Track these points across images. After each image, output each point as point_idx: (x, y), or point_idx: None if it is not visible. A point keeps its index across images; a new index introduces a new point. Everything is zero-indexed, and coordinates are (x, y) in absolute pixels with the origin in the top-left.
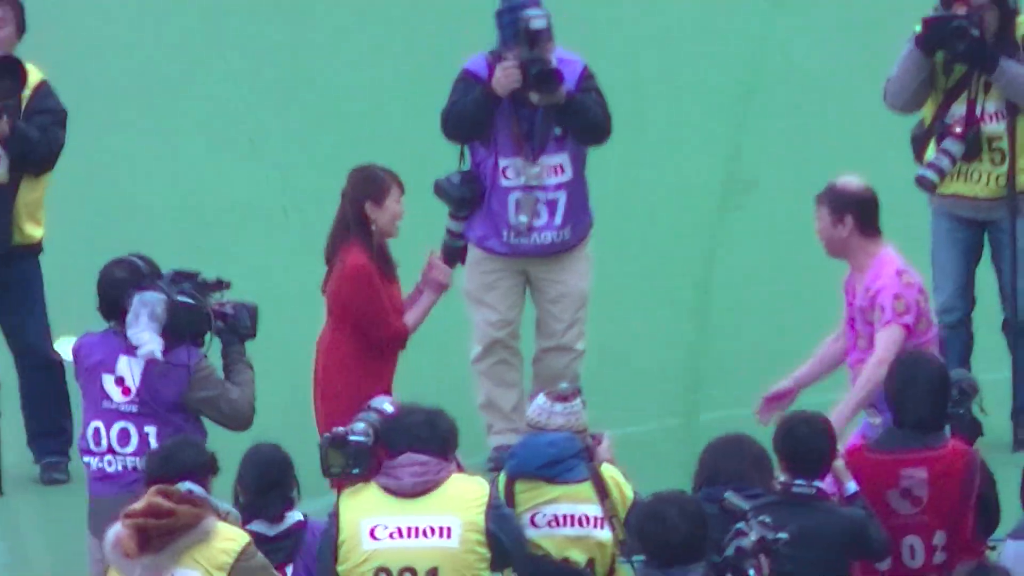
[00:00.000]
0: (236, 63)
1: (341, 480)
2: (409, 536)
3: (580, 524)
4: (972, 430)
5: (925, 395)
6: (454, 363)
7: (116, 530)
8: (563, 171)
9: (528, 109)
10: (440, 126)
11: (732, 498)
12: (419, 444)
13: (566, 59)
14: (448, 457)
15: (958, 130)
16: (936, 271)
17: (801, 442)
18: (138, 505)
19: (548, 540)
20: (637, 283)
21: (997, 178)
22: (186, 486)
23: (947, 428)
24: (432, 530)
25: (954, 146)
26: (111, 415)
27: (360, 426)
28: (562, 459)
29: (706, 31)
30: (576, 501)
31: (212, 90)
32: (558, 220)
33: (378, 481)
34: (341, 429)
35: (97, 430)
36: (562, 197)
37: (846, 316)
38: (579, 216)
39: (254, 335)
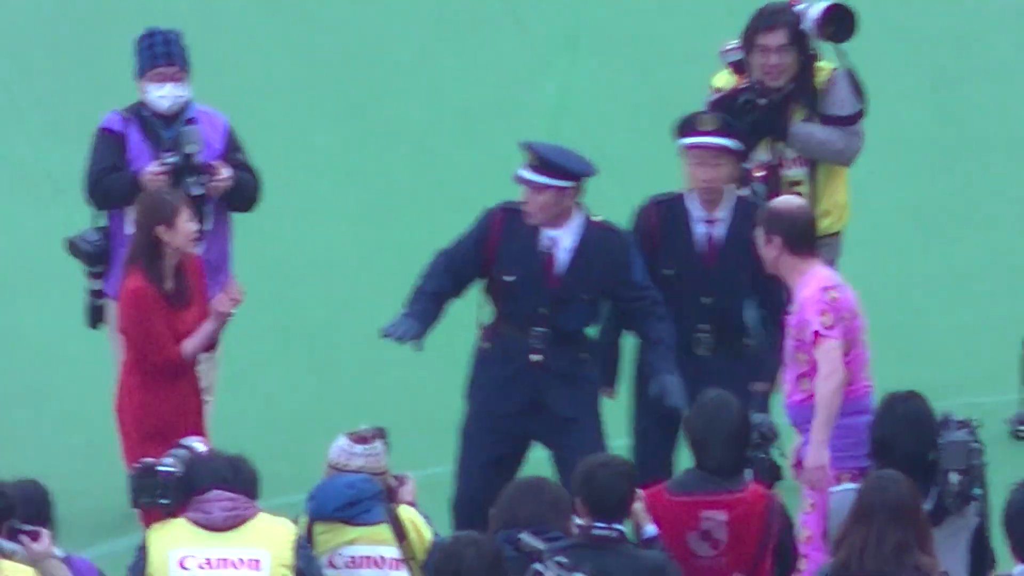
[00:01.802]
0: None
1: (149, 512)
2: (219, 566)
3: (377, 565)
4: (772, 474)
5: (726, 438)
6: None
7: None
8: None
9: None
10: (86, 192)
11: (528, 539)
12: (225, 485)
13: (211, 115)
14: (253, 499)
15: (760, 175)
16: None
17: (601, 485)
18: None
19: None
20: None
21: None
22: None
23: (747, 472)
24: (242, 561)
25: (755, 191)
26: None
27: (169, 460)
28: (360, 500)
29: None
30: (374, 542)
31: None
32: None
33: (187, 516)
34: (151, 460)
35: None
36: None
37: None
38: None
39: None
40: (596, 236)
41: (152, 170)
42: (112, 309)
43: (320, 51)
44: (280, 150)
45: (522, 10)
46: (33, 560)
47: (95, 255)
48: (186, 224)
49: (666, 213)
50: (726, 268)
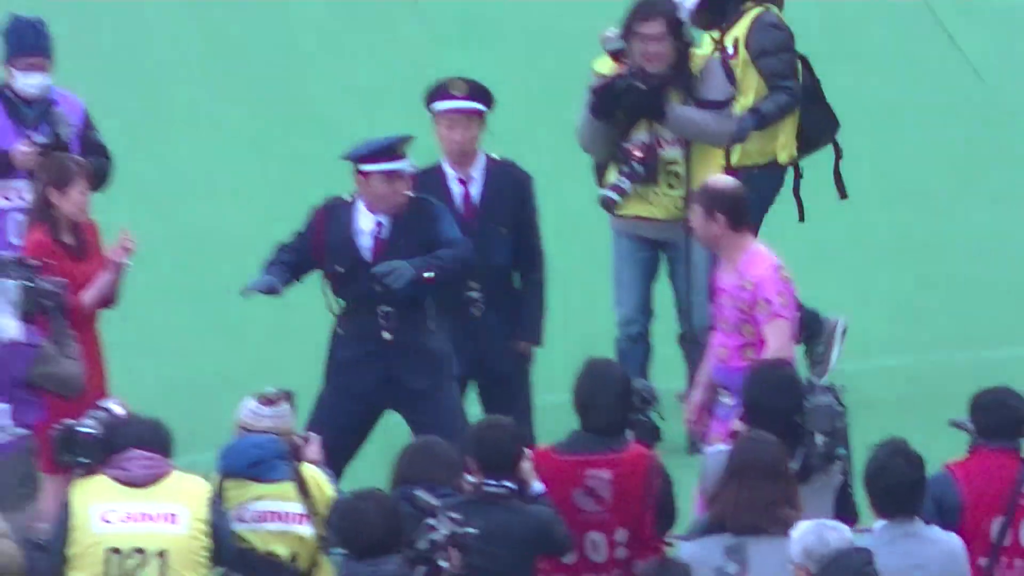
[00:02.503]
0: None
1: (69, 470)
2: (139, 520)
3: (282, 520)
4: (652, 435)
5: (609, 401)
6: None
7: None
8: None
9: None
10: None
11: (422, 495)
12: (143, 445)
13: (68, 99)
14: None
15: (638, 154)
16: (617, 287)
17: (491, 444)
18: None
19: (253, 535)
20: None
21: (674, 201)
22: None
23: (629, 433)
24: (161, 515)
25: (635, 169)
26: None
27: (89, 421)
28: (266, 459)
29: None
30: (279, 499)
31: None
32: None
33: (107, 472)
34: (71, 421)
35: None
36: None
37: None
38: None
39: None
40: (408, 210)
41: (23, 149)
42: None
43: (231, 34)
44: (193, 129)
45: None
46: None
47: None
48: (78, 194)
49: (423, 180)
50: (485, 225)
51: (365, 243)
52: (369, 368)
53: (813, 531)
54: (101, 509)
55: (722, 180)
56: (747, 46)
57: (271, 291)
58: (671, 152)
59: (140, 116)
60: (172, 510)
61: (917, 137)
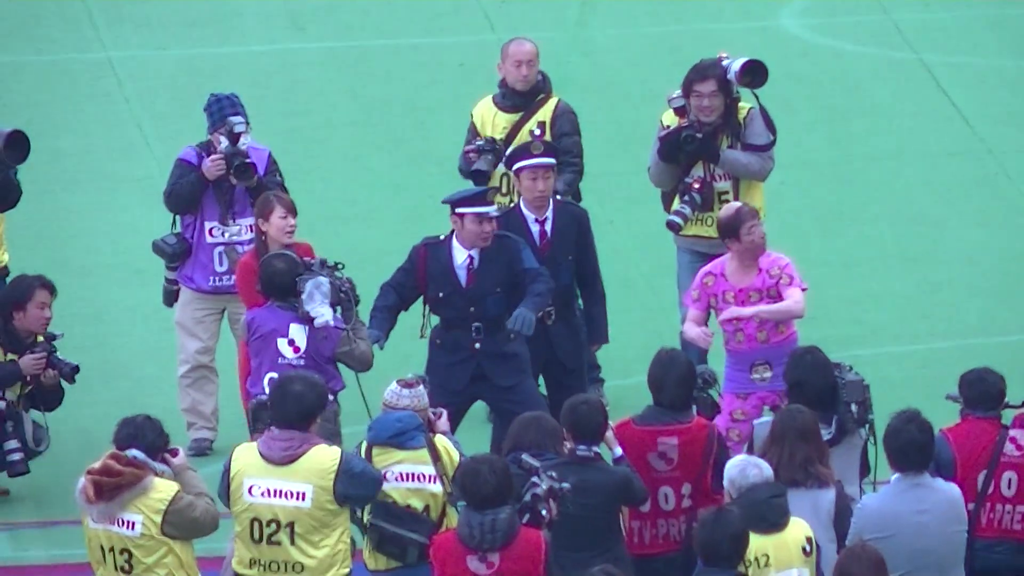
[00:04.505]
0: None
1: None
2: (275, 496)
3: (418, 480)
4: (711, 409)
5: (677, 382)
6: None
7: (81, 480)
8: (252, 230)
9: (228, 184)
10: (164, 202)
11: (527, 459)
12: (287, 422)
13: (257, 148)
14: (308, 431)
15: (696, 187)
16: (681, 291)
17: (582, 417)
18: (96, 465)
19: (395, 491)
20: None
21: None
22: (132, 452)
23: (693, 408)
24: (292, 494)
25: (694, 198)
26: (284, 368)
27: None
28: (406, 431)
29: None
30: (416, 463)
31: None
32: None
33: (259, 446)
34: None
35: (272, 380)
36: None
37: (716, 305)
38: None
39: (359, 302)
40: (494, 246)
41: (214, 159)
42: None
43: (370, 92)
44: (342, 168)
45: None
46: (175, 473)
47: (173, 255)
48: (279, 219)
49: (506, 221)
50: (556, 254)
51: (461, 273)
52: (463, 370)
53: (739, 465)
54: (249, 482)
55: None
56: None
57: (376, 343)
58: (723, 185)
59: (302, 160)
60: (301, 488)
61: (917, 172)
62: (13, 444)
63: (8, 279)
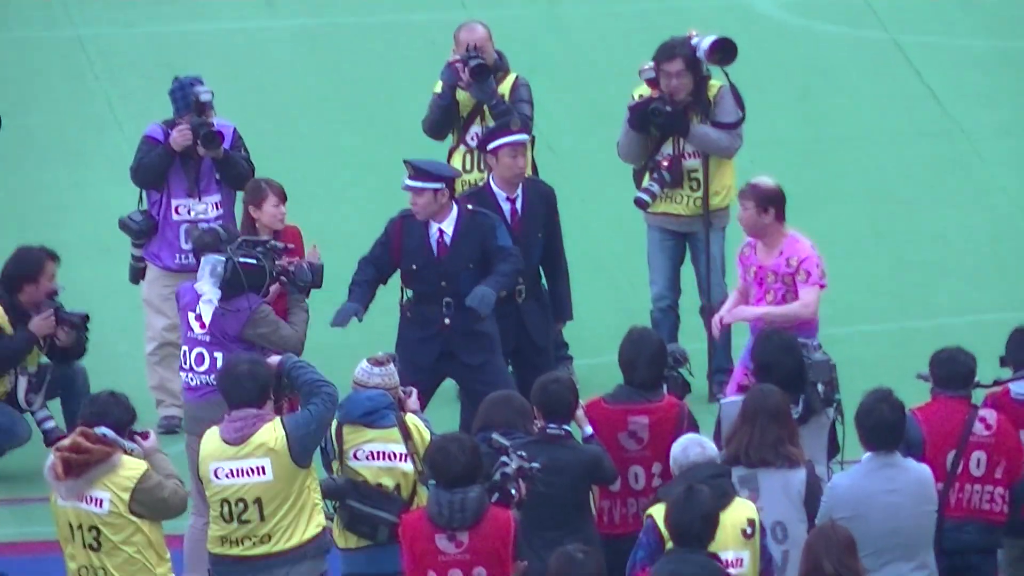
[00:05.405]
0: None
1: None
2: (236, 476)
3: (389, 459)
4: (682, 389)
5: (649, 361)
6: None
7: (51, 458)
8: (219, 207)
9: (194, 160)
10: (131, 176)
11: (497, 437)
12: (242, 401)
13: (223, 124)
14: (263, 408)
15: (666, 164)
16: (651, 269)
17: (553, 396)
18: (66, 442)
19: (366, 470)
20: None
21: (695, 201)
22: (101, 430)
23: (664, 387)
24: (252, 470)
25: (663, 176)
26: (192, 343)
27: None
28: (376, 410)
29: None
30: (387, 441)
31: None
32: None
33: (220, 431)
34: None
35: (184, 353)
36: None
37: (749, 279)
38: None
39: (319, 285)
40: (469, 221)
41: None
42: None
43: (342, 71)
44: (313, 148)
45: None
46: (145, 455)
47: (139, 232)
48: (271, 207)
49: (477, 199)
50: (526, 232)
51: (433, 246)
52: (432, 346)
53: (682, 444)
54: (214, 466)
55: (767, 181)
56: None
57: (355, 316)
58: (692, 162)
59: (272, 137)
60: (259, 464)
61: (889, 152)
62: (44, 413)
63: None
